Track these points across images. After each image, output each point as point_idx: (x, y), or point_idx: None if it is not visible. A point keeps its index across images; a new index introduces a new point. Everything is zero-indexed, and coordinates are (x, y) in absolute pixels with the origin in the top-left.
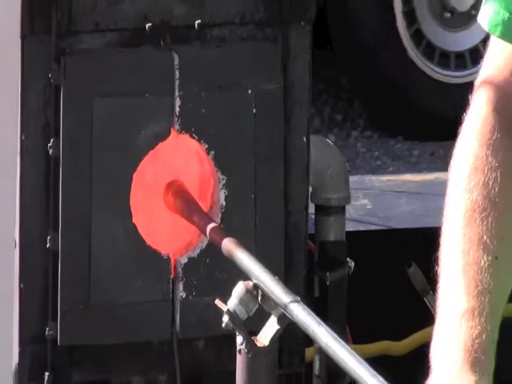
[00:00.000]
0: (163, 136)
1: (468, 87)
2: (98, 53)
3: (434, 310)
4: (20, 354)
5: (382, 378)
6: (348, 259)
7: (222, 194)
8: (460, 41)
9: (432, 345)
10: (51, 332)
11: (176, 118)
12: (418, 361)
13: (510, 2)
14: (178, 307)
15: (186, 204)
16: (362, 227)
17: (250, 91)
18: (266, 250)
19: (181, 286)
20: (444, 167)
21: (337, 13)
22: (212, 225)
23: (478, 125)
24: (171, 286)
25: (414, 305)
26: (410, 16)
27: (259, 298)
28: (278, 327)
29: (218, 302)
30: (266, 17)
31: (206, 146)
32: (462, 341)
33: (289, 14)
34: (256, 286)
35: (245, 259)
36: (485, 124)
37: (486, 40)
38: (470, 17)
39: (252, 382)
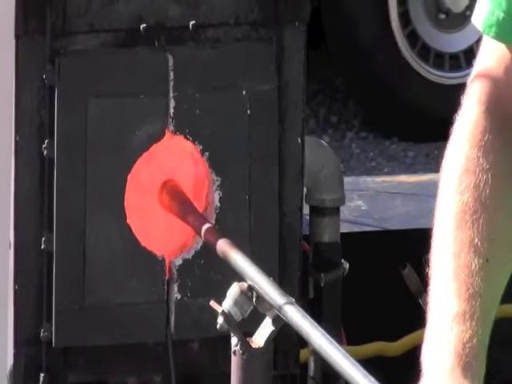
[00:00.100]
0: (158, 137)
1: (463, 88)
2: (93, 53)
3: (427, 313)
4: (15, 355)
5: (374, 379)
6: (342, 260)
7: (217, 195)
8: (455, 42)
9: (423, 348)
10: (46, 333)
11: (170, 119)
12: (413, 362)
13: (504, 2)
14: (172, 308)
15: (180, 204)
16: (356, 228)
17: (244, 92)
18: (261, 251)
19: (175, 288)
20: (439, 168)
21: (331, 13)
22: (207, 225)
23: (470, 125)
24: (166, 287)
25: (408, 306)
26: (405, 17)
27: (254, 300)
28: (272, 328)
29: (212, 303)
30: (260, 17)
31: (201, 147)
32: (453, 345)
33: (283, 14)
34: (250, 288)
35: (239, 260)
36: (476, 125)
37: (480, 41)
38: (464, 18)
39: (247, 383)
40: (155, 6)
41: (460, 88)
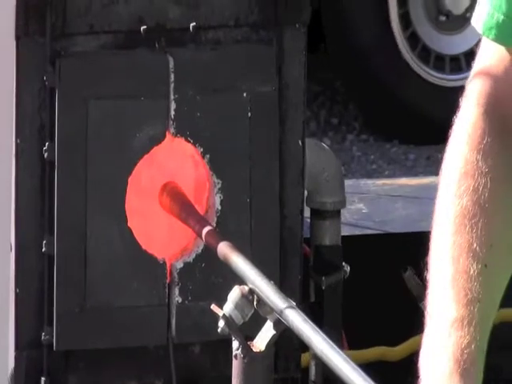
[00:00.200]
0: (158, 139)
1: (463, 90)
2: (93, 55)
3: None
4: (16, 358)
5: None
6: (343, 263)
7: (218, 198)
8: (455, 44)
9: (421, 354)
10: (47, 337)
11: (171, 122)
12: (414, 366)
13: (504, 4)
14: (173, 312)
15: (181, 206)
16: (357, 231)
17: (244, 94)
18: (262, 254)
19: (176, 291)
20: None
21: (331, 15)
22: (208, 228)
23: (469, 128)
24: (167, 290)
25: (409, 309)
26: (406, 19)
27: (255, 303)
28: (273, 332)
29: (213, 306)
30: (260, 19)
31: (202, 149)
32: (451, 351)
33: (283, 16)
34: (252, 291)
35: (240, 263)
36: (475, 127)
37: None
38: (465, 20)
39: None
40: (155, 8)
41: (461, 90)
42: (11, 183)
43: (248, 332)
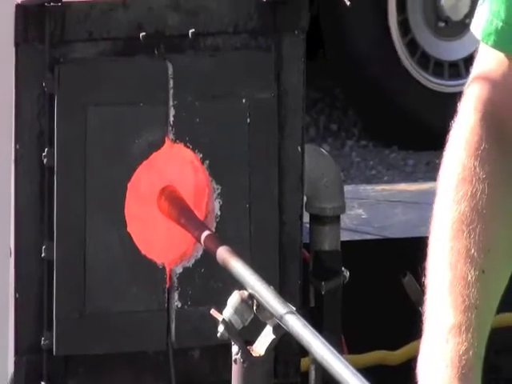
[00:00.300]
0: (157, 145)
1: (462, 96)
2: (92, 62)
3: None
4: (16, 363)
5: None
6: (343, 269)
7: (217, 204)
8: (454, 50)
9: (419, 360)
10: (47, 342)
11: (170, 128)
12: (414, 370)
13: (503, 11)
14: (173, 317)
15: (180, 211)
16: (357, 237)
17: (243, 100)
18: (261, 260)
19: (176, 296)
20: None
21: (330, 22)
22: (207, 233)
23: (466, 133)
24: (166, 295)
25: (409, 314)
26: (405, 25)
27: (254, 308)
28: (273, 337)
29: (213, 311)
30: (259, 26)
31: (201, 155)
32: (449, 357)
33: (282, 22)
34: (251, 296)
35: (240, 268)
36: (473, 133)
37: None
38: (464, 26)
39: None
40: (154, 15)
41: (460, 96)
42: (11, 189)
43: (247, 337)
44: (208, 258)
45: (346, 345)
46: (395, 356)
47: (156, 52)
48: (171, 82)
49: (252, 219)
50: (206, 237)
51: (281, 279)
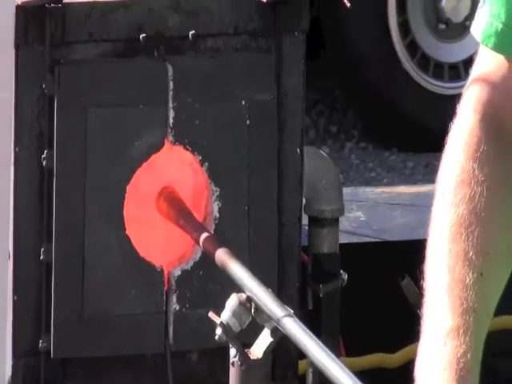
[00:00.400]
0: (157, 147)
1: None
2: (92, 63)
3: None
4: (13, 366)
5: None
6: (341, 271)
7: (216, 206)
8: (454, 52)
9: (416, 362)
10: (45, 344)
11: (170, 129)
12: (412, 373)
13: (503, 13)
14: (171, 319)
15: (179, 212)
16: (355, 239)
17: (243, 102)
18: (260, 262)
19: (174, 298)
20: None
21: (331, 23)
22: (206, 234)
23: (465, 135)
24: (165, 298)
25: (407, 317)
26: (405, 27)
27: (252, 311)
28: (271, 340)
29: (211, 314)
30: (259, 27)
31: (200, 157)
32: (447, 360)
33: (282, 24)
34: (249, 299)
35: (238, 270)
36: (472, 135)
37: None
38: (464, 28)
39: None
40: (155, 16)
41: (459, 98)
42: (10, 191)
43: (245, 339)
44: (206, 260)
45: (344, 347)
46: (393, 359)
47: (156, 53)
48: (171, 84)
49: (251, 221)
50: (205, 239)
51: (279, 282)
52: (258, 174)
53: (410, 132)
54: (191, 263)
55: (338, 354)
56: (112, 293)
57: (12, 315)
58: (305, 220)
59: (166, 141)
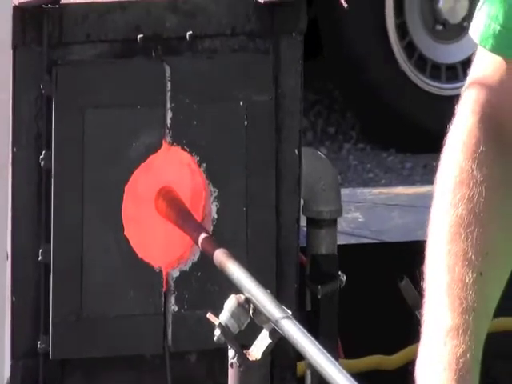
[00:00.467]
0: (155, 148)
1: (459, 99)
2: (90, 64)
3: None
4: (12, 367)
5: None
6: (340, 272)
7: (214, 207)
8: (452, 53)
9: (417, 362)
10: (43, 345)
11: (167, 130)
12: (410, 375)
13: (501, 15)
14: (169, 321)
15: (178, 212)
16: (353, 240)
17: (241, 103)
18: (258, 263)
19: (173, 300)
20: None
21: (328, 24)
22: (204, 235)
23: (464, 136)
24: (163, 299)
25: (405, 318)
26: (402, 28)
27: (251, 312)
28: (269, 341)
29: (209, 315)
30: (257, 28)
31: (198, 158)
32: (447, 360)
33: (280, 25)
34: (248, 300)
35: (236, 272)
36: (470, 135)
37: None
38: (461, 29)
39: None
40: (152, 17)
41: (457, 99)
42: (8, 191)
43: (244, 341)
44: (205, 261)
45: (343, 349)
46: (392, 360)
47: (153, 54)
48: (169, 85)
49: (249, 222)
50: (204, 239)
51: (278, 283)
52: (256, 175)
53: (407, 133)
54: (189, 264)
55: (336, 356)
56: (110, 294)
57: (10, 316)
58: (303, 221)
59: (163, 141)
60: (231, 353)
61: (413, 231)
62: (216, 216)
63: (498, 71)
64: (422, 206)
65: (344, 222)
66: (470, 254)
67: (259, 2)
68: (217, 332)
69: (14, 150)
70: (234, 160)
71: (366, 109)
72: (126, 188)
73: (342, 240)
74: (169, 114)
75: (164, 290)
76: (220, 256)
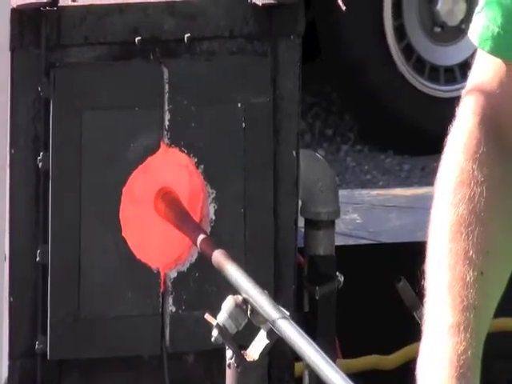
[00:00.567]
0: (153, 149)
1: (458, 101)
2: (88, 66)
3: (423, 325)
4: (9, 367)
5: None
6: (337, 273)
7: (212, 208)
8: (450, 55)
9: (418, 360)
10: (41, 346)
11: (165, 132)
12: (408, 375)
13: (499, 17)
14: (167, 321)
15: (177, 213)
16: (351, 241)
17: (239, 105)
18: (256, 264)
19: (170, 300)
20: (434, 182)
21: (326, 27)
22: (202, 236)
23: (465, 137)
24: (161, 300)
25: (403, 319)
26: (400, 30)
27: (248, 313)
28: (267, 342)
29: (207, 316)
30: (255, 30)
31: (196, 159)
32: (448, 357)
33: (278, 27)
34: (245, 301)
35: (234, 272)
36: (471, 137)
37: (475, 54)
38: (459, 31)
39: None
40: (150, 19)
41: (455, 101)
42: (6, 193)
43: (242, 341)
44: (202, 262)
45: (341, 349)
46: (389, 361)
47: (152, 56)
48: (167, 87)
49: (247, 224)
50: (202, 240)
51: (275, 284)
52: (254, 177)
53: (405, 135)
54: (187, 265)
55: (334, 356)
56: (108, 294)
57: (8, 316)
58: (301, 222)
59: (161, 143)
60: (229, 353)
61: (410, 232)
62: (214, 217)
63: (497, 73)
64: (420, 208)
65: (342, 223)
66: (471, 252)
67: (257, 5)
68: (214, 333)
69: (12, 151)
70: (232, 162)
71: (363, 111)
72: (123, 189)
73: (339, 241)
74: (167, 116)
75: (162, 290)
76: (218, 257)
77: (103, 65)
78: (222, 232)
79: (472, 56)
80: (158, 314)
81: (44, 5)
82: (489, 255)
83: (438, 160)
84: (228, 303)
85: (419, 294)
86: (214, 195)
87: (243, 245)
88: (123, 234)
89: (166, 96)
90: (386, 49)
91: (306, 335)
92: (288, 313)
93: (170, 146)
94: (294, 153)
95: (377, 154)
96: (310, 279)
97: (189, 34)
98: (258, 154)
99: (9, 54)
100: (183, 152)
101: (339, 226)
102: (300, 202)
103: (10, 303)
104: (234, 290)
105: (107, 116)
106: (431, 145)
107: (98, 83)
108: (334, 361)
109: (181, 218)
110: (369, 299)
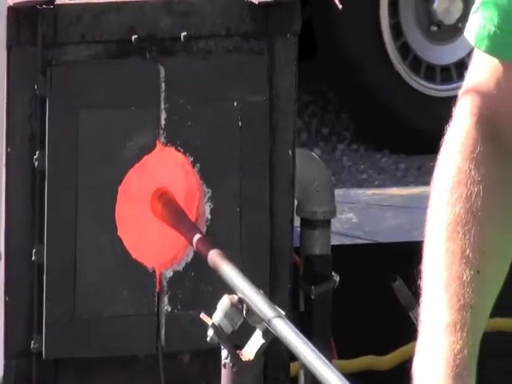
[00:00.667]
0: (149, 148)
1: (454, 101)
2: (84, 64)
3: (419, 325)
4: (5, 367)
5: None
6: (333, 273)
7: (208, 207)
8: (446, 54)
9: (414, 359)
10: (36, 345)
11: (162, 131)
12: (403, 376)
13: (496, 16)
14: (163, 321)
15: (173, 213)
16: (347, 241)
17: (235, 103)
18: (252, 264)
19: (166, 300)
20: (431, 181)
21: (322, 25)
22: (198, 235)
23: (462, 137)
24: (156, 299)
25: (399, 319)
26: (397, 29)
27: (244, 312)
28: (263, 341)
29: (203, 315)
30: (251, 29)
31: (192, 158)
32: (444, 356)
33: (274, 26)
34: (241, 300)
35: (230, 272)
36: (468, 136)
37: (471, 54)
38: (456, 30)
39: None
40: (147, 18)
41: (451, 100)
42: (1, 192)
43: (237, 341)
44: (198, 261)
45: (336, 349)
46: (384, 361)
47: (148, 55)
48: (163, 85)
49: (243, 223)
50: (198, 239)
51: (271, 283)
52: (250, 176)
53: (401, 134)
54: (183, 264)
55: (329, 356)
56: (104, 294)
57: (4, 316)
58: (297, 222)
59: (157, 142)
60: (224, 353)
61: (406, 232)
62: (210, 216)
63: (493, 73)
64: (416, 207)
65: (338, 223)
66: (468, 251)
67: (254, 3)
68: (210, 332)
69: (8, 150)
70: (228, 161)
71: (360, 110)
72: (119, 188)
73: (335, 240)
74: (163, 115)
75: (157, 290)
76: (214, 256)
77: (99, 63)
78: (218, 231)
79: (468, 55)
80: (154, 313)
81: (40, 3)
82: (485, 254)
83: (434, 159)
84: (224, 303)
85: (415, 293)
86: (209, 194)
87: (239, 244)
88: (119, 234)
89: (163, 95)
90: (383, 47)
91: (301, 335)
92: (284, 312)
93: (166, 144)
94: (290, 152)
95: (373, 153)
96: (306, 279)
97: (185, 33)
98: (254, 153)
99: (5, 52)
100: (179, 151)
101: (335, 225)
102: (296, 202)
103: (6, 302)
104: (229, 289)
105: (103, 114)
106: (427, 144)
107: (94, 82)
108: (330, 360)
109: (177, 217)
110: (364, 299)
